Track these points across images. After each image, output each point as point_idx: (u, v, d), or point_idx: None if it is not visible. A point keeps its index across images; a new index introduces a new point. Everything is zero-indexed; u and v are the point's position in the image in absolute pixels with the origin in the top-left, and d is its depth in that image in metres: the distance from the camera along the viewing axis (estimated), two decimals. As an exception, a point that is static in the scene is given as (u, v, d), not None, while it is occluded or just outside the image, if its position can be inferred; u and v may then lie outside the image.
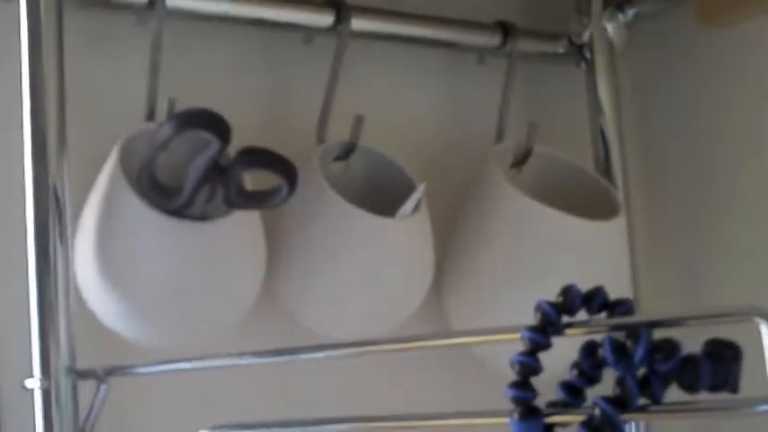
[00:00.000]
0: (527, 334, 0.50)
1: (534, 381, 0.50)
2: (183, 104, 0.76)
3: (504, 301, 0.86)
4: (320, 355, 0.62)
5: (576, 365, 0.51)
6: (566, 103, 1.03)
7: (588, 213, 0.88)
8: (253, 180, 0.74)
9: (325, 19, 0.86)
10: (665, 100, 1.05)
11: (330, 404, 0.86)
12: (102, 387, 0.72)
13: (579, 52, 1.00)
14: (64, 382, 0.72)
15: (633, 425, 0.95)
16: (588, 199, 0.92)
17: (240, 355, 0.64)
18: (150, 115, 0.78)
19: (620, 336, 0.49)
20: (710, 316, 0.47)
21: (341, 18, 0.86)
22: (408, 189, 0.84)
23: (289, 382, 0.85)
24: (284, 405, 0.86)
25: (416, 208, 0.82)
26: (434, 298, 0.90)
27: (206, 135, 0.64)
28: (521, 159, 0.93)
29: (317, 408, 0.85)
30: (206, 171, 0.66)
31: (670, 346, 0.48)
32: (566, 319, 0.51)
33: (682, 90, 1.04)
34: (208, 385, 0.81)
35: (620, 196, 0.96)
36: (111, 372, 0.72)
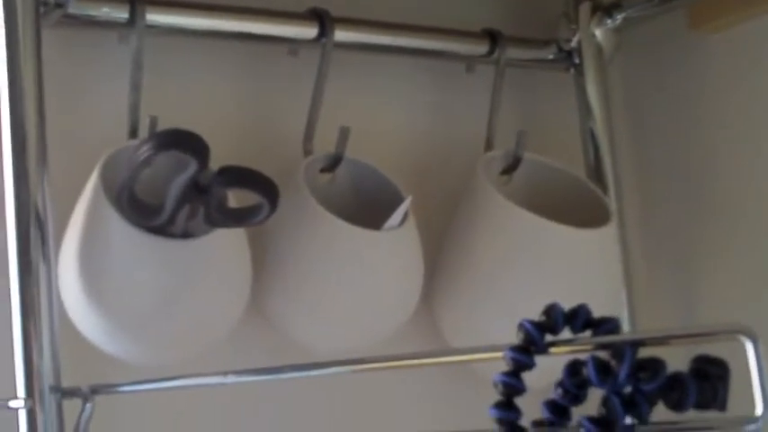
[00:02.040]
0: (510, 354, 0.50)
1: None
2: (167, 120, 0.75)
3: (495, 311, 0.86)
4: (305, 373, 0.61)
5: (560, 384, 0.50)
6: (556, 109, 1.02)
7: (580, 221, 0.87)
8: (237, 196, 0.73)
9: (308, 31, 0.85)
10: (657, 104, 1.05)
11: (321, 420, 0.86)
12: (88, 406, 0.71)
13: (568, 58, 0.99)
14: (48, 402, 0.71)
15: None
16: (580, 206, 0.91)
17: (225, 373, 0.63)
18: (133, 133, 0.77)
19: (605, 354, 0.49)
20: (696, 335, 0.47)
21: (325, 30, 0.85)
22: (396, 200, 0.83)
23: (276, 399, 0.84)
24: (271, 422, 0.85)
25: (404, 220, 0.81)
26: (426, 308, 0.89)
27: (185, 156, 0.63)
28: (511, 167, 0.93)
29: (307, 424, 0.85)
30: (185, 190, 0.65)
31: (655, 365, 0.48)
32: (549, 337, 0.50)
33: (673, 94, 1.03)
34: (193, 403, 0.81)
35: (612, 203, 0.95)
36: (96, 390, 0.71)
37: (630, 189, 1.02)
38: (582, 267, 0.86)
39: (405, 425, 0.89)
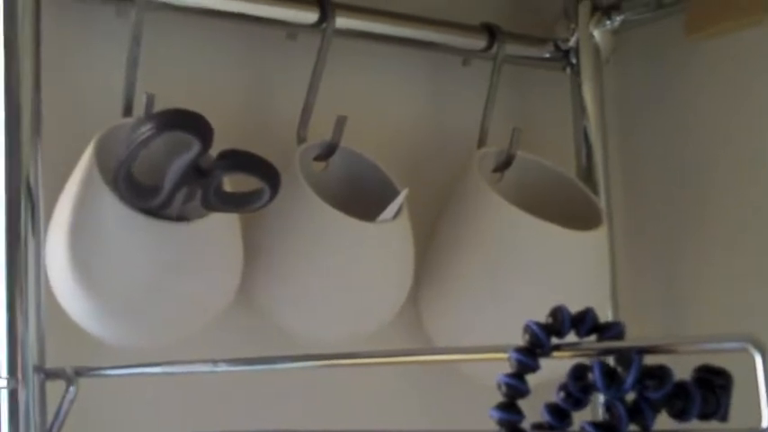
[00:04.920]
0: (515, 355, 0.49)
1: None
2: (162, 100, 0.74)
3: (481, 309, 0.85)
4: (298, 365, 0.60)
5: (563, 388, 0.50)
6: (550, 107, 1.02)
7: (569, 221, 0.86)
8: (231, 181, 0.72)
9: (309, 16, 0.84)
10: (650, 108, 1.04)
11: (306, 414, 0.85)
12: (72, 388, 0.70)
13: (565, 57, 0.99)
14: (32, 382, 0.70)
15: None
16: (570, 207, 0.91)
17: (215, 362, 0.62)
18: (128, 110, 0.76)
19: (608, 360, 0.48)
20: (704, 343, 0.46)
21: (326, 15, 0.84)
22: (389, 191, 0.83)
23: (264, 388, 0.83)
24: (258, 411, 0.84)
25: (398, 213, 0.80)
26: (412, 303, 0.89)
27: (187, 137, 0.62)
28: (503, 165, 0.92)
29: (292, 417, 0.84)
30: (186, 173, 0.64)
31: (662, 373, 0.47)
32: (554, 340, 0.50)
33: (667, 98, 1.03)
34: (179, 390, 0.80)
35: (602, 205, 0.95)
36: (80, 372, 0.70)
37: (619, 190, 1.02)
38: (572, 269, 0.86)
39: (386, 419, 0.89)
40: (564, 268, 0.85)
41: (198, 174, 0.64)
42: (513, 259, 0.85)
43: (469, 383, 0.82)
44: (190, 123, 0.62)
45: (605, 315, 0.93)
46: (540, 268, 0.85)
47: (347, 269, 0.79)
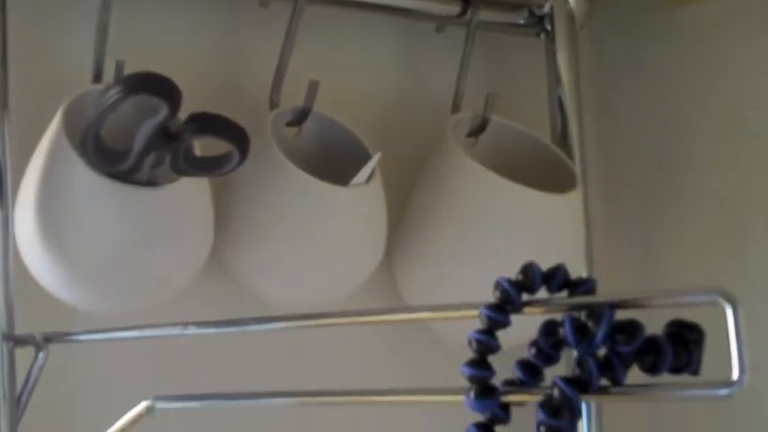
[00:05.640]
0: (486, 312, 0.49)
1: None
2: (132, 66, 0.73)
3: (457, 273, 0.85)
4: (269, 326, 0.60)
5: (534, 344, 0.49)
6: (525, 74, 1.01)
7: (543, 185, 0.86)
8: (202, 144, 0.72)
9: (281, -18, 0.84)
10: (624, 74, 1.04)
11: (279, 376, 0.85)
12: (41, 354, 0.69)
13: (540, 23, 0.99)
14: (0, 349, 0.70)
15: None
16: (544, 171, 0.91)
17: (185, 324, 0.62)
18: (97, 76, 0.75)
19: (581, 315, 0.48)
20: (675, 297, 0.46)
21: (298, -19, 0.84)
22: (362, 156, 0.82)
23: (235, 353, 0.83)
24: (230, 375, 0.84)
25: (370, 177, 0.80)
26: (386, 268, 0.88)
27: (155, 100, 0.61)
28: (477, 129, 0.92)
29: (265, 379, 0.84)
30: (154, 136, 0.63)
31: (633, 327, 0.47)
32: (525, 297, 0.49)
33: (641, 64, 1.03)
34: (150, 353, 0.79)
35: (577, 169, 0.95)
36: (50, 338, 0.70)
37: (594, 155, 1.02)
38: (546, 232, 0.86)
39: (360, 379, 0.88)
40: (539, 231, 0.85)
41: (167, 137, 0.63)
42: (487, 223, 0.84)
43: (443, 343, 0.82)
44: (157, 86, 0.61)
45: (580, 274, 0.92)
46: (514, 232, 0.84)
47: (320, 234, 0.79)
